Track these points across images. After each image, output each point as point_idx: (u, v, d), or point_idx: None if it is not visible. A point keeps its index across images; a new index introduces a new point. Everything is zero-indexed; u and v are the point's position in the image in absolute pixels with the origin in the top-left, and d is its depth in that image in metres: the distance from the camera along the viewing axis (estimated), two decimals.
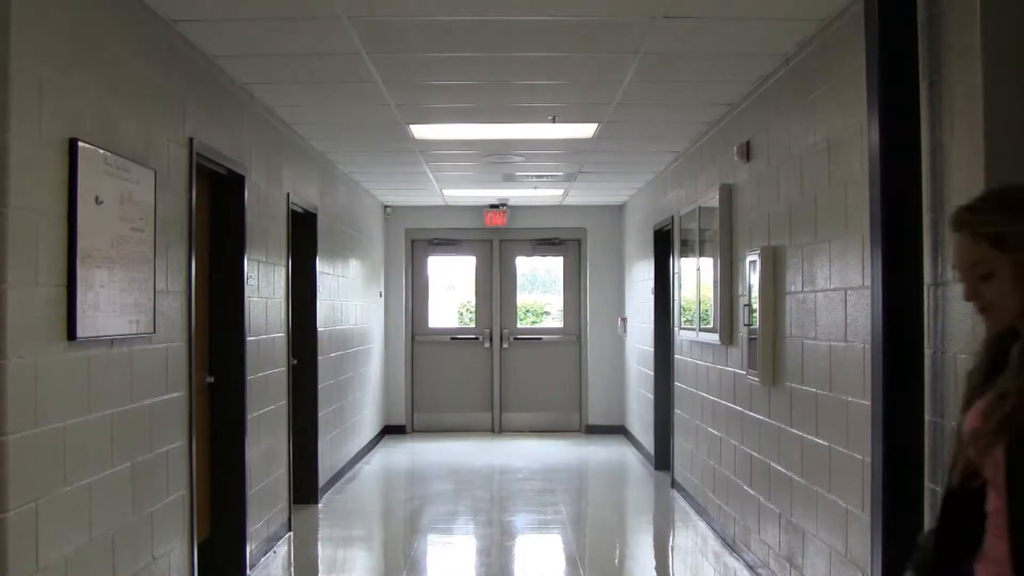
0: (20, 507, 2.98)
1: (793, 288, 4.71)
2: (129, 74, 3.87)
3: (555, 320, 12.12)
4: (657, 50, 4.70)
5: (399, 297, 11.70)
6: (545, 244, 11.93)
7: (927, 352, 3.26)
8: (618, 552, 6.71)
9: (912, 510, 3.13)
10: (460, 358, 11.86)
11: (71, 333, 3.30)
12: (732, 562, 5.86)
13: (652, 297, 8.93)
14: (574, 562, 6.24)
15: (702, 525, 6.84)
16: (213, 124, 4.85)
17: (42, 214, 3.16)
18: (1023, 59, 2.91)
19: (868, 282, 3.60)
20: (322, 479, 7.72)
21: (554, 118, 6.30)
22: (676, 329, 7.93)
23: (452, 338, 11.93)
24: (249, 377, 5.50)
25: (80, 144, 3.35)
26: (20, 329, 2.99)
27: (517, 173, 8.77)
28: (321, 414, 7.60)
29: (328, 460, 8.00)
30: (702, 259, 6.80)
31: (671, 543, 7.05)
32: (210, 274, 5.20)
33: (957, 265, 1.90)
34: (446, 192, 10.22)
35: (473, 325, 12.00)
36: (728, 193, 6.02)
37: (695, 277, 7.05)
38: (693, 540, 6.69)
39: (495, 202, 11.22)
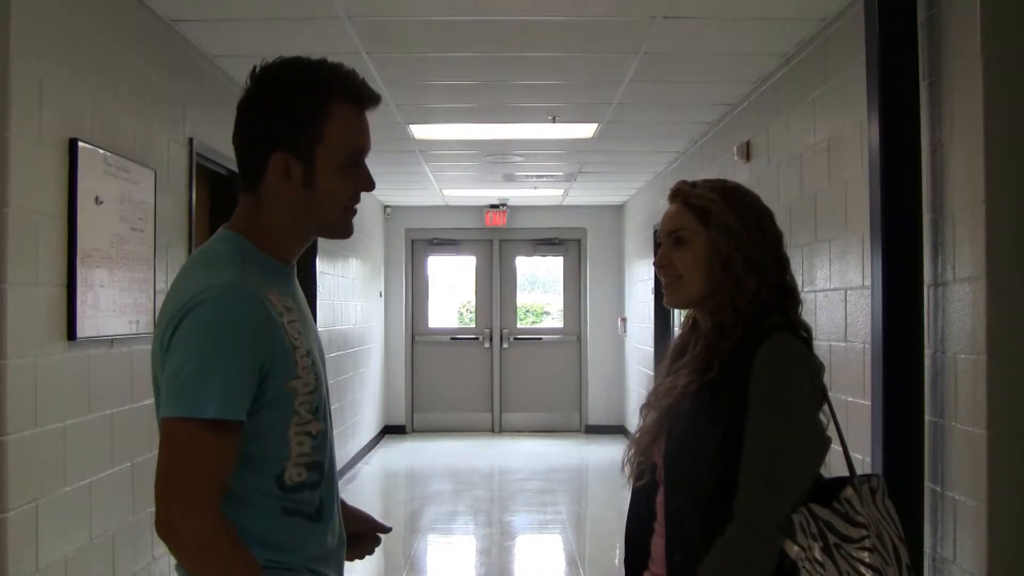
0: (20, 507, 2.97)
1: None
2: (129, 74, 3.87)
3: (555, 320, 12.12)
4: (657, 50, 4.70)
5: (399, 297, 11.70)
6: (545, 244, 11.93)
7: (927, 352, 3.26)
8: (618, 552, 6.71)
9: (912, 511, 3.14)
10: (460, 358, 11.86)
11: (71, 333, 3.30)
12: None
13: (652, 297, 8.93)
14: (574, 562, 6.24)
15: None
16: (213, 124, 4.85)
17: (42, 214, 3.16)
18: (1023, 59, 2.91)
19: (868, 282, 3.60)
20: None
21: (554, 118, 6.30)
22: (676, 329, 7.92)
23: (452, 338, 11.93)
24: None
25: (80, 144, 3.34)
26: (20, 329, 2.99)
27: (517, 173, 8.77)
28: None
29: None
30: None
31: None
32: None
33: (661, 231, 2.01)
34: (446, 192, 10.22)
35: (473, 325, 12.00)
36: None
37: None
38: None
39: (495, 202, 11.22)
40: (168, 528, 1.51)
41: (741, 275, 1.88)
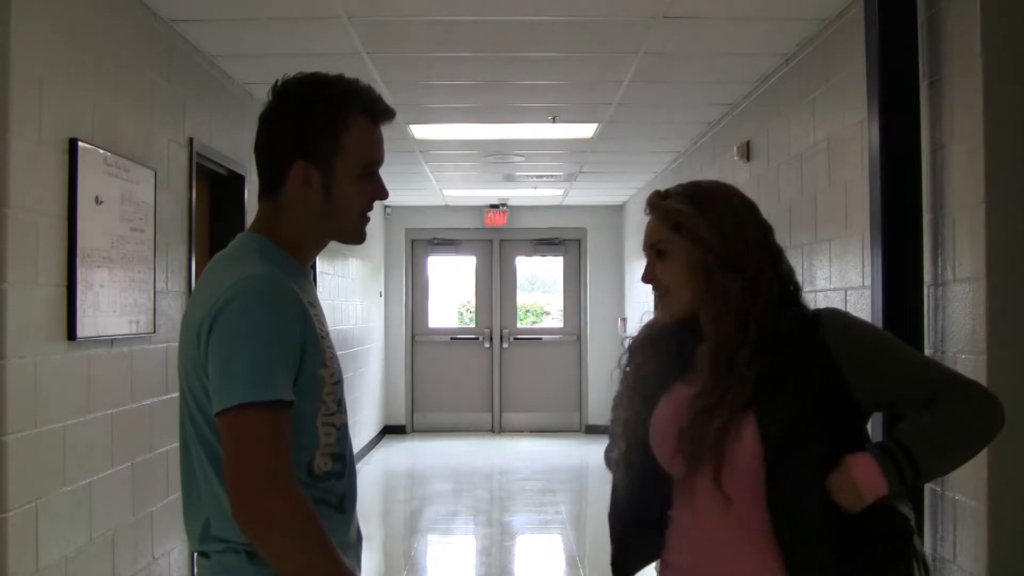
0: (20, 507, 2.97)
1: None
2: (129, 74, 3.87)
3: (555, 320, 12.11)
4: (657, 50, 4.70)
5: (399, 297, 11.70)
6: (545, 244, 11.93)
7: (927, 352, 3.25)
8: None
9: (912, 510, 3.13)
10: (460, 358, 11.86)
11: (71, 333, 3.30)
12: None
13: (652, 297, 8.91)
14: (574, 562, 6.24)
15: None
16: (213, 124, 4.85)
17: (42, 214, 3.16)
18: (1023, 59, 2.91)
19: (868, 282, 3.60)
20: None
21: (554, 118, 6.30)
22: None
23: (452, 338, 11.93)
24: None
25: (80, 144, 3.34)
26: (20, 329, 2.99)
27: (517, 173, 8.77)
28: None
29: None
30: None
31: None
32: None
33: (643, 244, 2.01)
34: (446, 192, 10.22)
35: (473, 325, 12.00)
36: None
37: None
38: None
39: (495, 202, 11.22)
40: (256, 512, 1.53)
41: (723, 280, 1.85)
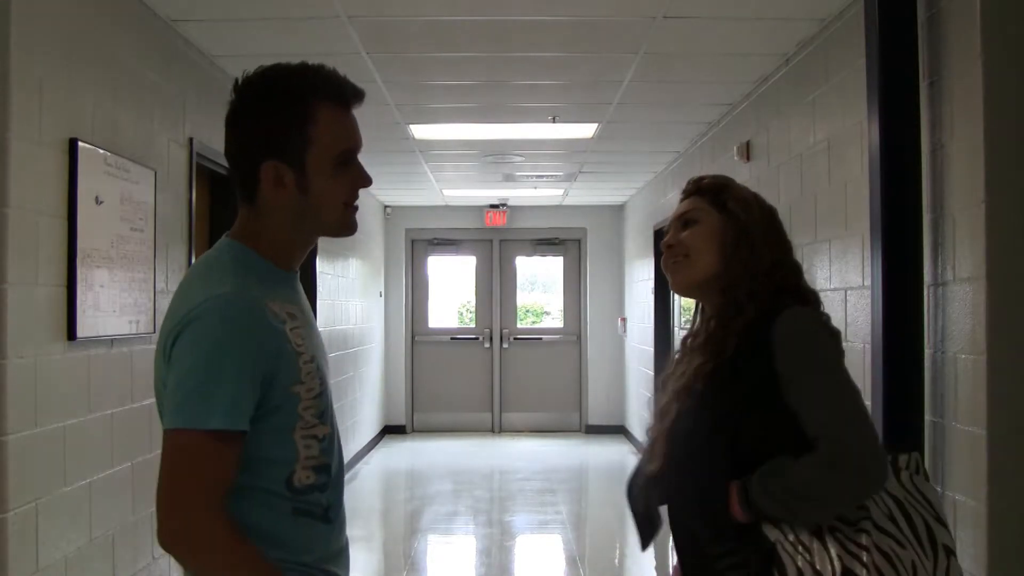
0: (20, 507, 2.97)
1: None
2: (129, 74, 3.87)
3: (555, 320, 12.11)
4: (657, 50, 4.70)
5: (399, 297, 11.70)
6: (545, 244, 11.93)
7: (927, 352, 3.26)
8: (618, 552, 6.71)
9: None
10: (460, 358, 11.86)
11: (71, 333, 3.30)
12: None
13: (652, 297, 8.93)
14: (574, 562, 6.24)
15: None
16: (213, 124, 4.85)
17: (42, 214, 3.16)
18: (1023, 59, 2.91)
19: (868, 282, 3.60)
20: None
21: (554, 118, 6.30)
22: (676, 329, 7.92)
23: (452, 338, 11.93)
24: None
25: (80, 144, 3.34)
26: (20, 329, 2.99)
27: (517, 173, 8.76)
28: None
29: None
30: None
31: (671, 542, 7.05)
32: None
33: (672, 218, 2.03)
34: (446, 192, 10.22)
35: (473, 325, 12.00)
36: None
37: None
38: None
39: (495, 202, 11.22)
40: (174, 535, 1.51)
41: (758, 244, 1.92)
